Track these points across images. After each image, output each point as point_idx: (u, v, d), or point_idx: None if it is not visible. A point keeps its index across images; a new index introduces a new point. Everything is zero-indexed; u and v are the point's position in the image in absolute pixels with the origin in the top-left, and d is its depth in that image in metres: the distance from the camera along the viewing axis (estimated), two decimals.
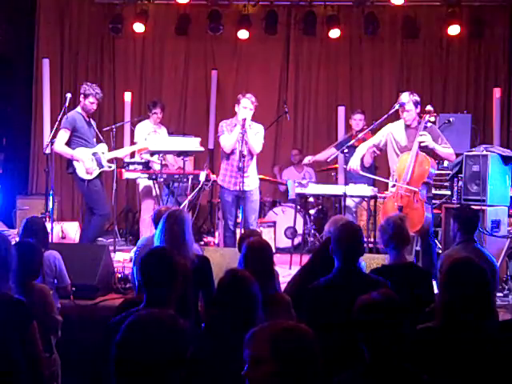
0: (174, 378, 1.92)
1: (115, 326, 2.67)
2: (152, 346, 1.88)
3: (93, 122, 6.89)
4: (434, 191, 6.33)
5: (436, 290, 4.35)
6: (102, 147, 6.73)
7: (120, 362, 1.91)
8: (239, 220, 6.57)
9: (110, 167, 6.72)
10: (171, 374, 1.91)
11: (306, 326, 2.14)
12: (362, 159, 7.05)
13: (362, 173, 6.37)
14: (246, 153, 6.32)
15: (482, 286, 2.87)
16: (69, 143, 6.60)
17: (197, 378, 2.50)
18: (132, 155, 7.46)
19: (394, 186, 6.12)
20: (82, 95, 6.63)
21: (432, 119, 6.18)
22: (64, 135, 6.57)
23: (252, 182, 6.55)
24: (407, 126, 6.20)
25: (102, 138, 6.82)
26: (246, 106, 6.36)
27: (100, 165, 6.61)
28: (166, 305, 2.80)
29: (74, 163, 6.62)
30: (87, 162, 6.51)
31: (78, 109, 6.69)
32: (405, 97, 6.17)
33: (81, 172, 6.57)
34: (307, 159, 8.38)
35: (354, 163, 6.28)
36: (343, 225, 3.82)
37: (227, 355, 2.63)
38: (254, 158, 6.59)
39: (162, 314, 1.99)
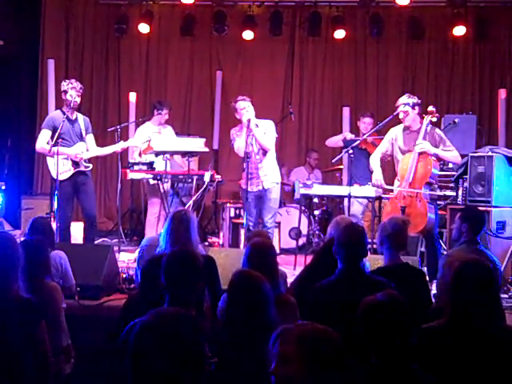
0: (190, 377, 1.92)
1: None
2: (170, 344, 1.88)
3: (84, 118, 6.73)
4: (438, 192, 6.32)
5: (434, 291, 4.36)
6: (80, 146, 6.59)
7: (136, 357, 1.91)
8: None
9: (87, 167, 6.60)
10: (189, 373, 1.91)
11: None
12: (368, 163, 7.06)
13: (386, 187, 6.32)
14: (256, 150, 6.45)
15: (491, 287, 2.88)
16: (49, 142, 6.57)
17: (214, 378, 2.52)
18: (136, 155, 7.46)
19: (398, 186, 6.13)
20: (62, 93, 6.56)
21: (434, 120, 6.17)
22: (43, 134, 6.54)
23: (270, 179, 6.59)
24: (408, 129, 6.20)
25: (84, 136, 6.68)
26: (243, 107, 6.43)
27: (75, 164, 6.55)
28: (188, 306, 2.81)
29: (48, 161, 6.58)
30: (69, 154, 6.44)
31: (63, 108, 6.65)
32: (403, 99, 6.19)
33: (53, 170, 6.48)
34: (349, 136, 7.82)
35: (379, 177, 6.28)
36: (346, 226, 3.82)
37: (242, 353, 2.64)
38: (270, 155, 6.62)
39: (181, 313, 1.99)
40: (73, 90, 6.49)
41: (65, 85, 6.56)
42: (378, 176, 6.30)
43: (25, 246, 3.52)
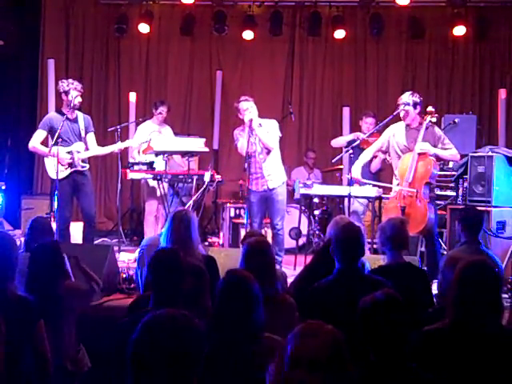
0: (190, 376, 1.93)
1: (126, 327, 2.68)
2: (169, 345, 1.89)
3: (84, 117, 6.67)
4: (438, 192, 6.32)
5: (434, 291, 4.35)
6: (78, 146, 6.53)
7: (136, 360, 1.92)
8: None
9: (84, 167, 6.56)
10: (187, 373, 1.92)
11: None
12: (369, 165, 7.05)
13: (363, 181, 6.34)
14: (260, 149, 6.43)
15: (496, 289, 2.88)
16: (47, 143, 6.52)
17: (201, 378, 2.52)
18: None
19: (397, 185, 6.13)
20: (62, 94, 6.49)
21: (433, 120, 6.17)
22: (38, 134, 6.50)
23: (275, 178, 6.57)
24: (408, 127, 6.20)
25: (83, 136, 6.59)
26: (246, 107, 6.41)
27: (72, 164, 6.52)
28: (172, 305, 2.81)
29: (45, 161, 6.54)
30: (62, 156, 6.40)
31: (62, 108, 6.59)
32: (405, 97, 6.18)
33: (50, 171, 6.45)
34: (361, 136, 7.67)
35: (355, 172, 6.28)
36: (343, 226, 3.82)
37: (227, 354, 2.64)
38: (274, 154, 6.58)
39: (178, 314, 2.00)
40: (74, 91, 6.44)
41: (65, 85, 6.49)
42: (355, 172, 6.28)
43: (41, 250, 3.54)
